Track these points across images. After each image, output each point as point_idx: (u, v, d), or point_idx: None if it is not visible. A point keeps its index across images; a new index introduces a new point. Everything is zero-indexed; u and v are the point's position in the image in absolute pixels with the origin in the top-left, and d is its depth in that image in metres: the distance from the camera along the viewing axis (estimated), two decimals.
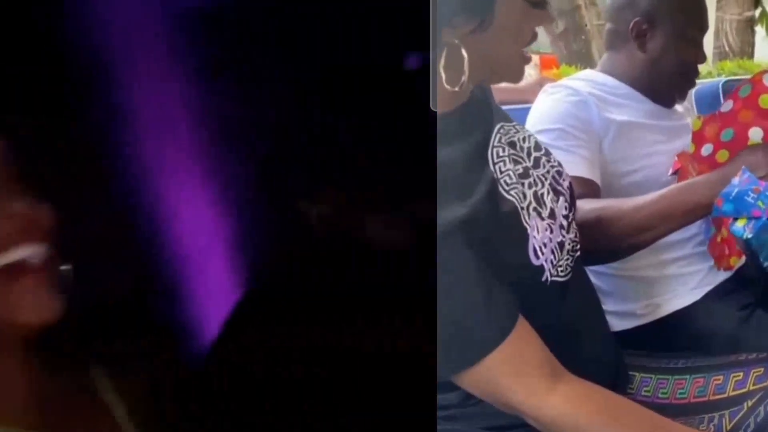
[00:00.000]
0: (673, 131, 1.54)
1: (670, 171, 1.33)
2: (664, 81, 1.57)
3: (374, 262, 1.07)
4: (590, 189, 1.39)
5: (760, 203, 1.11)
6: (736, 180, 1.13)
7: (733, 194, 1.12)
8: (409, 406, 1.00)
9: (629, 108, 1.54)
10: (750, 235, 1.11)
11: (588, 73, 1.67)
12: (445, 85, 0.96)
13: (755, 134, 1.26)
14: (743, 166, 1.15)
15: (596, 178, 1.42)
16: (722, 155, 1.28)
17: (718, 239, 1.30)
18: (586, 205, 1.25)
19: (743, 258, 1.38)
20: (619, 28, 1.58)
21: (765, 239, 1.13)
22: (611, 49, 1.62)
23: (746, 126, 1.27)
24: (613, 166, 1.46)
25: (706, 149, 1.29)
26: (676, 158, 1.34)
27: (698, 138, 1.30)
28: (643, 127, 1.52)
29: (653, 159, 1.46)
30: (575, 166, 1.38)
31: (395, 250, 1.07)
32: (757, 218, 1.10)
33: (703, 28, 1.60)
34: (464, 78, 0.97)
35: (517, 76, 1.04)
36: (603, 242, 1.23)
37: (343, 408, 0.99)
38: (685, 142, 1.43)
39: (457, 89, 0.97)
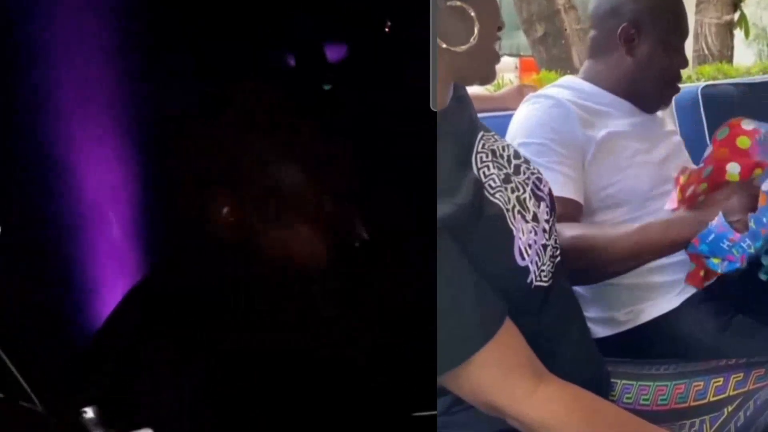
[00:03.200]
0: (654, 139, 1.54)
1: (668, 206, 1.35)
2: (650, 86, 1.58)
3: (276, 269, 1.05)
4: (571, 209, 1.40)
5: (734, 251, 1.19)
6: (713, 225, 1.20)
7: (710, 239, 1.21)
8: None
9: (611, 116, 1.54)
10: (723, 271, 1.22)
11: (570, 80, 1.66)
12: (449, 47, 0.98)
13: (732, 168, 1.30)
14: (720, 212, 1.21)
15: (577, 196, 1.43)
16: (702, 187, 1.31)
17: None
18: (567, 232, 1.27)
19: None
20: (604, 35, 1.59)
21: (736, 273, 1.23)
22: (594, 56, 1.62)
23: (723, 161, 1.31)
24: (591, 181, 1.47)
25: (690, 190, 1.33)
26: (673, 193, 1.34)
27: (683, 187, 1.33)
28: (625, 136, 1.52)
29: (630, 171, 1.48)
30: (555, 185, 1.37)
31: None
32: (731, 261, 1.20)
33: (684, 33, 1.62)
34: (473, 38, 0.99)
35: (489, 75, 1.06)
36: (583, 270, 1.28)
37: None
38: (666, 150, 1.44)
39: (464, 48, 0.99)
